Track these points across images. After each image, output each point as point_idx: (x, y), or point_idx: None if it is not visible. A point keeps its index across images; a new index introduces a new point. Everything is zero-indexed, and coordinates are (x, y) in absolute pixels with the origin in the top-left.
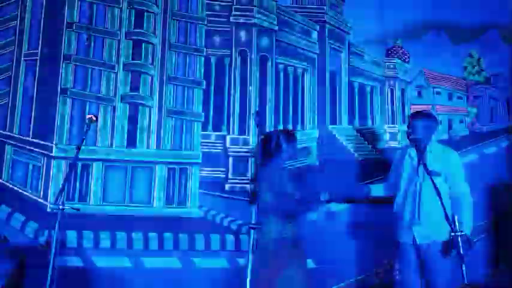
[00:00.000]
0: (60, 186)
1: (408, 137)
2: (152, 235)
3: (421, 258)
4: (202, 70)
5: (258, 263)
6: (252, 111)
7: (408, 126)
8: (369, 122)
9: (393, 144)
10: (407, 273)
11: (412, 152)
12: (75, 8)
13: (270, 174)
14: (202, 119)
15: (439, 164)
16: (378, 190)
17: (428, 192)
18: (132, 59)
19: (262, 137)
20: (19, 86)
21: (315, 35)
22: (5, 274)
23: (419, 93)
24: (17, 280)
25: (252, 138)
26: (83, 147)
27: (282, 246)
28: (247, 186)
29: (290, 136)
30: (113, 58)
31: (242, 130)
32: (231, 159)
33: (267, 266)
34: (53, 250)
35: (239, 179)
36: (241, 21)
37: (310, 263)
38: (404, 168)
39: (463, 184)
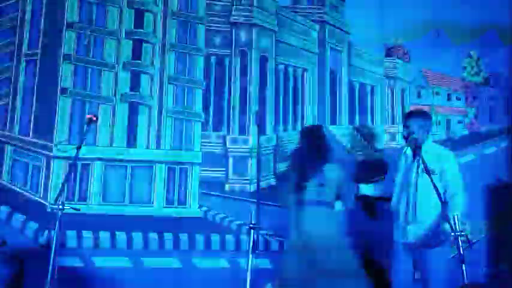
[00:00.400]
0: (60, 186)
1: (404, 137)
2: (152, 235)
3: (414, 257)
4: (202, 70)
5: None
6: (252, 111)
7: (404, 126)
8: (369, 122)
9: (393, 144)
10: (402, 273)
11: (408, 151)
12: (75, 8)
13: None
14: (202, 119)
15: (434, 163)
16: (373, 190)
17: (423, 191)
18: (132, 59)
19: (307, 130)
20: (19, 86)
21: (315, 35)
22: (5, 275)
23: (419, 93)
24: (17, 281)
25: (252, 138)
26: (83, 146)
27: None
28: (247, 186)
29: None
30: (113, 58)
31: (242, 130)
32: (231, 159)
33: None
34: (53, 250)
35: (239, 179)
36: (241, 21)
37: None
38: (400, 167)
39: (458, 183)
